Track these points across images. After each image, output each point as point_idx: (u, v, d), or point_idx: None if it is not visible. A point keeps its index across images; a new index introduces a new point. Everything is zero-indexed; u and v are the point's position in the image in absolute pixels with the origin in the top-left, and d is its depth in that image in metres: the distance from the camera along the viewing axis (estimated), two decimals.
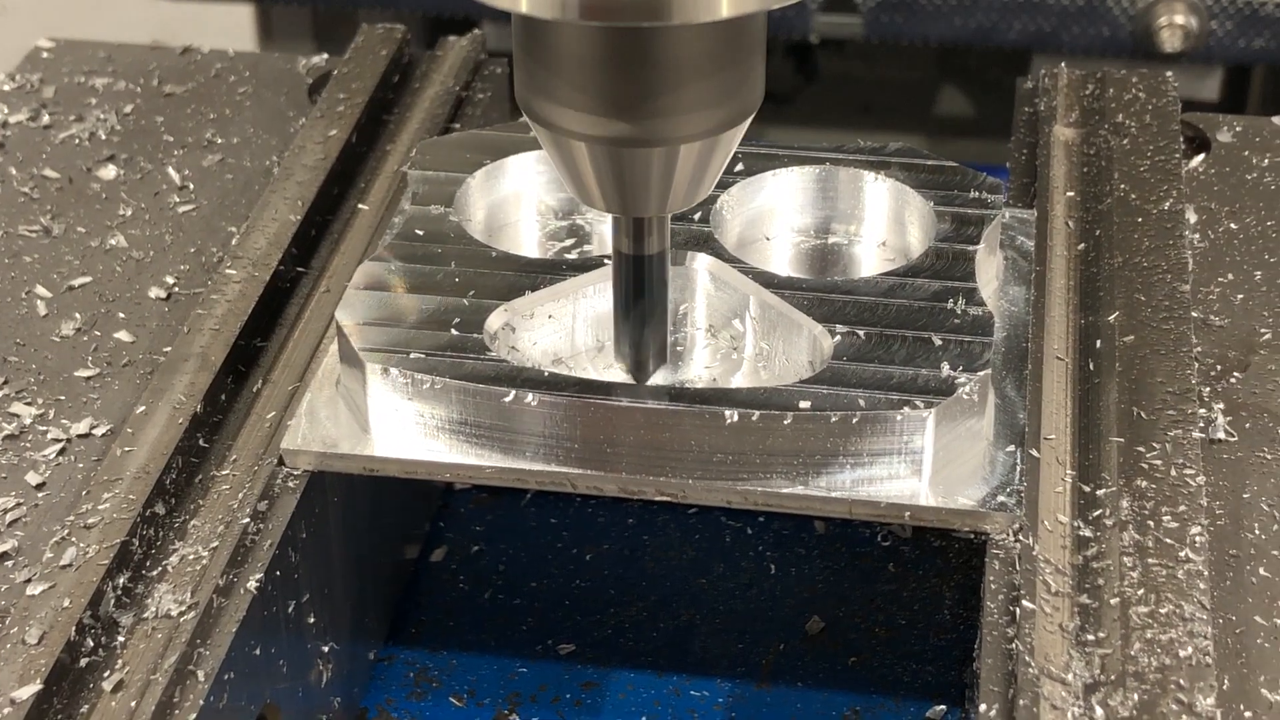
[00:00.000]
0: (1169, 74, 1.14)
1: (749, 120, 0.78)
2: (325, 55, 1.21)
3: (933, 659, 0.99)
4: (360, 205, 1.04)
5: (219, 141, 1.13)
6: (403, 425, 0.86)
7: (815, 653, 1.00)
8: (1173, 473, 0.84)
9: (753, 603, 1.04)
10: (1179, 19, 1.61)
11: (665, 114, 0.75)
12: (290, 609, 0.85)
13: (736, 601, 1.04)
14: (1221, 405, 0.92)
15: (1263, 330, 0.97)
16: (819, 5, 1.69)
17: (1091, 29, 1.64)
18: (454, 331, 0.88)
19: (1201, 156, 1.11)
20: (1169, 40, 1.62)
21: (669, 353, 0.88)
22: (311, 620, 0.88)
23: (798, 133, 2.16)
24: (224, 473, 0.86)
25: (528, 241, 1.00)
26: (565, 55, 0.74)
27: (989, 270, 0.95)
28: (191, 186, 1.09)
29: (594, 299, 0.92)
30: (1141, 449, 0.86)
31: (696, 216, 0.95)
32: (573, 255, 0.99)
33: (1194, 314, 0.97)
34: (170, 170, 1.10)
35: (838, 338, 0.87)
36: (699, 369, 0.93)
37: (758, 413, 0.82)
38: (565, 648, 1.00)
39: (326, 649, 0.90)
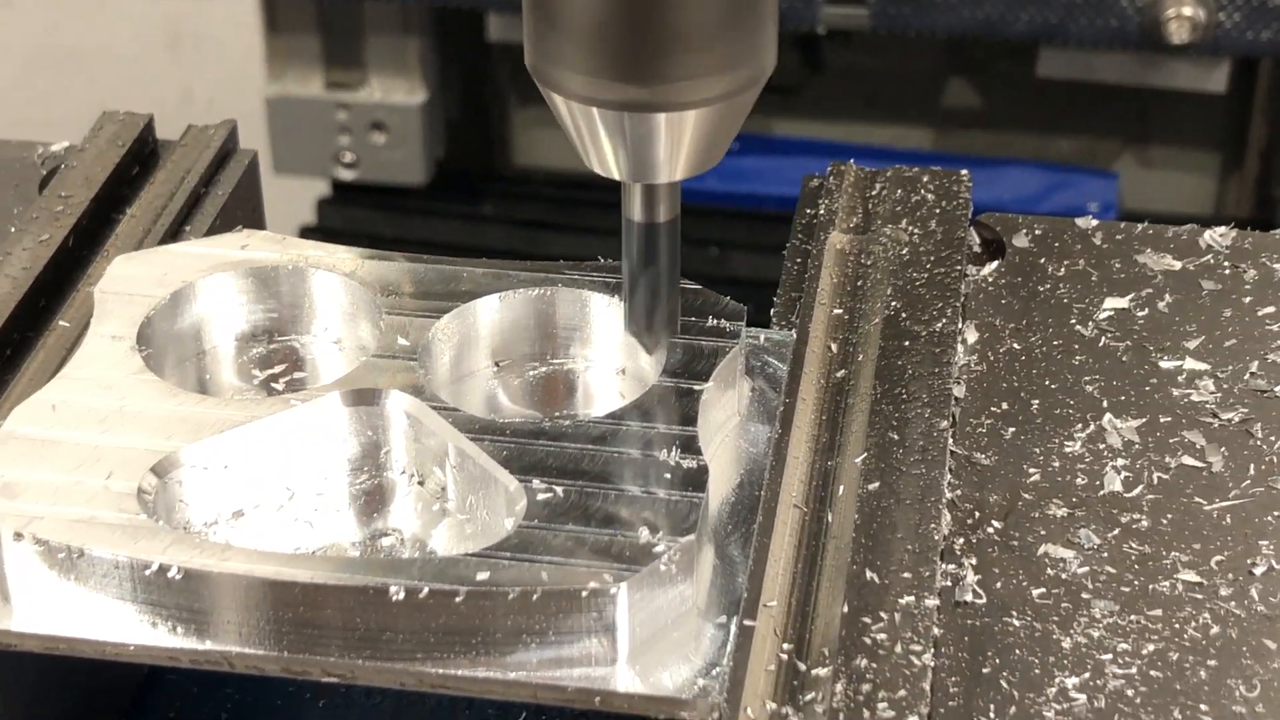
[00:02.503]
0: (964, 173, 1.05)
1: (760, 86, 0.78)
2: (66, 143, 1.12)
3: None
4: (62, 322, 0.95)
5: None
6: (46, 595, 0.77)
7: None
8: (898, 649, 0.76)
9: None
10: (1187, 10, 1.62)
11: (677, 79, 0.75)
12: None
13: None
14: (974, 560, 0.83)
15: (1031, 470, 0.88)
16: None
17: (1099, 20, 1.65)
18: (108, 485, 0.79)
19: (995, 264, 1.02)
20: (1177, 32, 1.63)
21: (676, 324, 0.86)
22: None
23: (805, 124, 2.15)
24: None
25: (227, 372, 0.91)
26: (575, 19, 0.74)
27: (726, 408, 0.87)
28: None
29: (278, 442, 0.83)
30: (868, 619, 0.77)
31: (405, 345, 0.86)
32: (280, 385, 0.90)
33: (958, 451, 0.89)
34: None
35: (533, 495, 0.78)
36: (398, 521, 0.84)
37: (426, 588, 0.74)
38: None
39: None
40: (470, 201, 2.20)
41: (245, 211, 1.08)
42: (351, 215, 2.19)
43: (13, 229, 1.03)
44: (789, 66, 2.06)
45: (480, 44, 2.14)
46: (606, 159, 0.79)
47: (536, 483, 0.79)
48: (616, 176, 0.79)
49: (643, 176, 0.79)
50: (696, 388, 0.84)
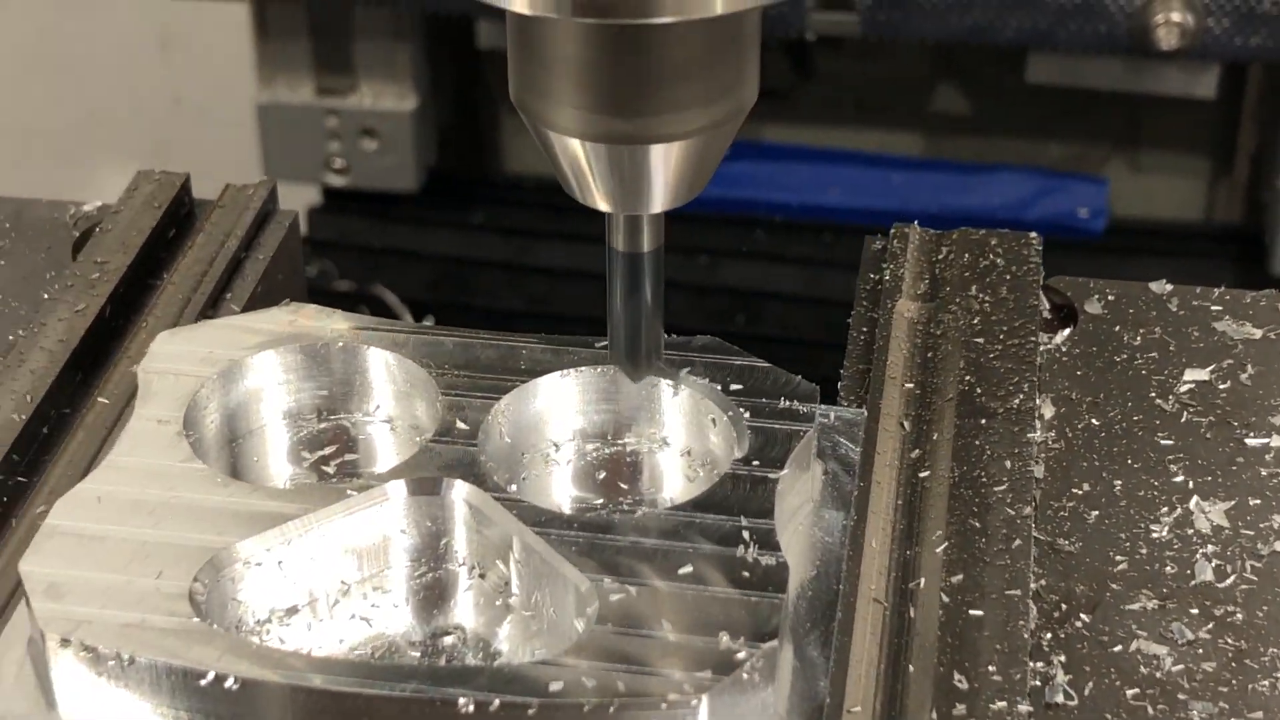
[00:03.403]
0: (1034, 235, 1.01)
1: (743, 116, 0.78)
2: (99, 203, 1.08)
3: None
4: (100, 399, 0.91)
5: None
6: (94, 702, 0.73)
7: None
8: None
9: None
10: (1175, 16, 1.61)
11: (660, 111, 0.74)
12: None
13: None
14: (1063, 658, 0.79)
15: (1118, 558, 0.84)
16: (815, 2, 1.68)
17: (1088, 26, 1.64)
18: (159, 585, 0.75)
19: (1067, 331, 0.98)
20: (1165, 37, 1.61)
21: (659, 354, 0.85)
22: None
23: (794, 130, 2.14)
24: None
25: (278, 452, 0.87)
26: (559, 52, 0.74)
27: (801, 494, 0.83)
28: None
29: (335, 535, 0.79)
30: None
31: (463, 429, 0.82)
32: (331, 468, 0.86)
33: (1040, 536, 0.85)
34: None
35: (606, 595, 0.74)
36: (460, 616, 0.80)
37: (497, 700, 0.70)
38: None
39: None
40: (462, 208, 2.18)
41: (286, 275, 1.04)
42: (342, 222, 2.17)
43: (45, 296, 1.00)
44: (778, 73, 2.05)
45: (471, 50, 2.12)
46: (590, 190, 0.77)
47: (608, 582, 0.75)
48: (600, 207, 0.78)
49: (626, 207, 0.78)
50: (771, 476, 0.80)
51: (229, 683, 0.71)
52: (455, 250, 2.13)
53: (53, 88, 2.65)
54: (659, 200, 0.78)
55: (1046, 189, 2.08)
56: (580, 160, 0.76)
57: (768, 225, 2.09)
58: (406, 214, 2.15)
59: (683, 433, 0.86)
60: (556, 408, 0.86)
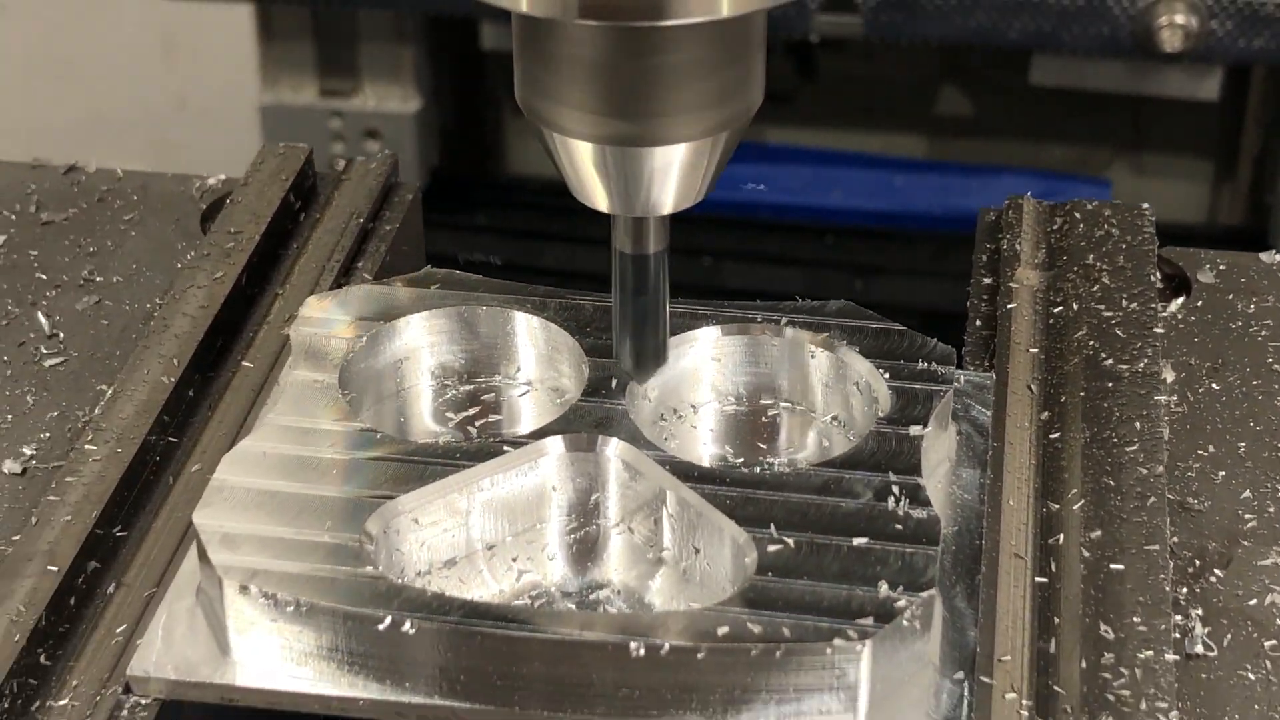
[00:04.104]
0: (1146, 206, 1.03)
1: (749, 119, 0.77)
2: (223, 176, 1.10)
3: None
4: (245, 362, 0.94)
5: (97, 280, 1.03)
6: (268, 648, 0.75)
7: None
8: (1143, 705, 0.74)
9: None
10: (1179, 18, 1.60)
11: (665, 113, 0.74)
12: None
13: None
14: (1200, 611, 0.81)
15: (1247, 516, 0.86)
16: (819, 4, 1.67)
17: (1092, 29, 1.63)
18: (328, 537, 0.77)
19: (1181, 300, 1.00)
20: (1169, 40, 1.61)
21: (664, 356, 0.83)
22: None
23: (798, 131, 2.13)
24: (61, 703, 0.76)
25: (424, 412, 0.89)
26: (564, 54, 0.73)
27: (939, 452, 0.85)
28: (61, 335, 0.98)
29: (491, 490, 0.81)
30: (1108, 675, 0.75)
31: (610, 389, 0.84)
32: (475, 428, 0.88)
33: (1170, 496, 0.87)
34: (40, 315, 0.99)
35: (763, 547, 0.76)
36: (611, 571, 0.82)
37: (668, 644, 0.72)
38: None
39: None
40: (465, 209, 2.19)
41: (411, 246, 1.07)
42: None
43: (179, 265, 1.02)
44: (782, 74, 2.04)
45: (474, 52, 2.12)
46: (595, 192, 0.77)
47: (765, 533, 0.77)
48: (605, 209, 0.78)
49: (631, 209, 0.78)
50: (915, 433, 0.82)
51: (406, 627, 0.73)
52: (458, 252, 2.14)
53: (56, 90, 2.66)
54: (664, 202, 0.77)
55: (1050, 191, 2.07)
56: (585, 162, 0.76)
57: (771, 227, 2.09)
58: None
59: (822, 395, 0.88)
60: (700, 369, 0.88)
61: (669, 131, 0.74)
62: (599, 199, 0.77)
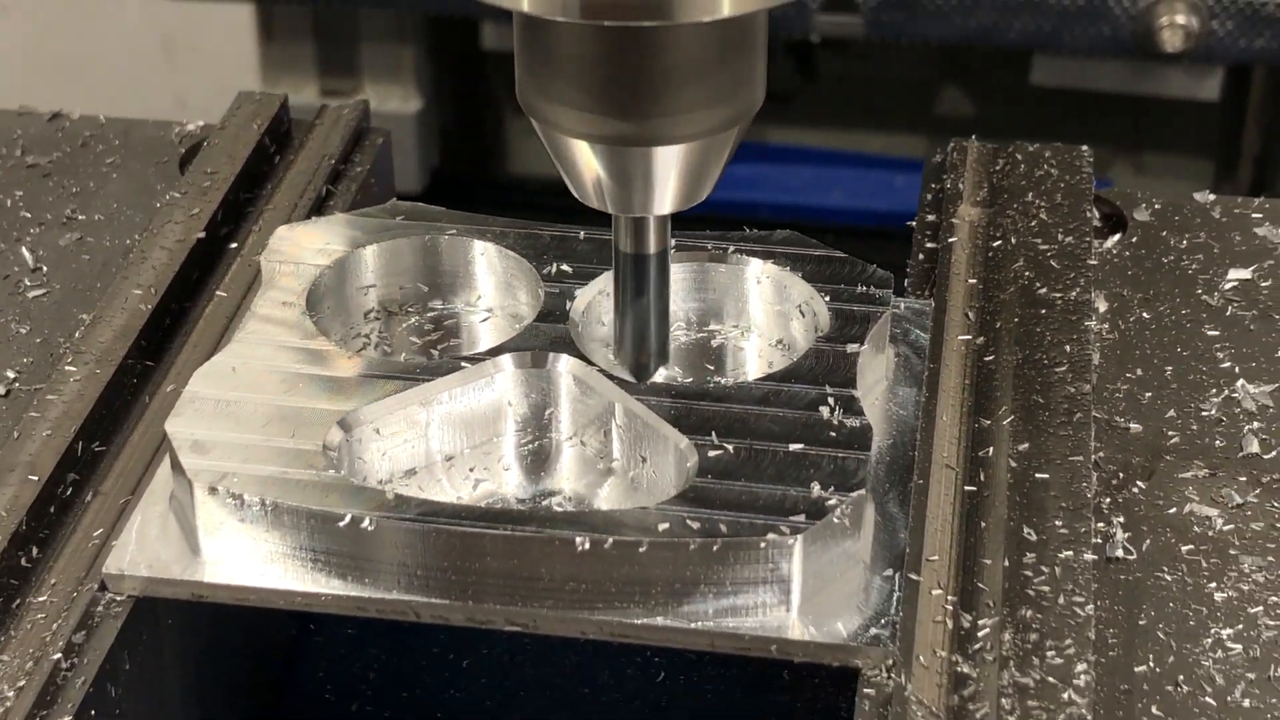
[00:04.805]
0: (1084, 148, 1.08)
1: (749, 120, 0.78)
2: (201, 123, 1.15)
3: None
4: (219, 292, 0.98)
5: (80, 218, 1.07)
6: (235, 547, 0.80)
7: None
8: (1061, 600, 0.78)
9: (638, 714, 0.98)
10: (1180, 19, 1.61)
11: (666, 113, 0.74)
12: None
13: (621, 712, 0.98)
14: (1122, 519, 0.86)
15: (1170, 434, 0.91)
16: (820, 4, 1.67)
17: (1092, 29, 1.64)
18: (293, 444, 0.81)
19: (1117, 237, 1.05)
20: (1170, 40, 1.62)
21: (666, 354, 0.86)
22: None
23: (799, 132, 2.16)
24: (41, 599, 0.80)
25: (388, 336, 0.94)
26: (566, 54, 0.74)
27: (876, 371, 0.89)
28: (45, 269, 1.03)
29: (449, 404, 0.86)
30: (1029, 573, 0.80)
31: (563, 312, 0.89)
32: (436, 351, 0.93)
33: (1098, 415, 0.91)
34: (24, 250, 1.04)
35: (704, 452, 0.81)
36: (563, 480, 0.87)
37: (611, 539, 0.76)
38: None
39: None
40: (465, 209, 2.21)
41: (382, 188, 1.11)
42: None
43: (159, 205, 1.06)
44: (783, 74, 2.05)
45: (475, 52, 2.14)
46: (596, 192, 0.78)
47: (706, 439, 0.81)
48: (606, 209, 0.79)
49: (632, 209, 0.79)
50: (851, 350, 0.86)
51: (365, 524, 0.77)
52: None
53: (57, 90, 2.69)
54: (664, 203, 0.78)
55: None
56: (586, 162, 0.77)
57: (771, 227, 2.10)
58: None
59: (767, 319, 0.93)
60: None
61: (669, 132, 0.75)
62: (598, 199, 0.79)
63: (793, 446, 0.81)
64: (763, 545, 0.76)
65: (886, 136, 2.17)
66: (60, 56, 2.71)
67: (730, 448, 0.81)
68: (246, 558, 0.80)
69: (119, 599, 0.80)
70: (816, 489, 0.79)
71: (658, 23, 0.71)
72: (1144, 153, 2.14)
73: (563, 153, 0.78)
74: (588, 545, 0.76)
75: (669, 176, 0.77)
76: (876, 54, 2.07)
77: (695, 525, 0.77)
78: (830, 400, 0.83)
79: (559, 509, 0.85)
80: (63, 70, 2.70)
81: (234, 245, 1.02)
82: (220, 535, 0.80)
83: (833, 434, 0.82)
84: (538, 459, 0.87)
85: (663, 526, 0.77)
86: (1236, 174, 2.11)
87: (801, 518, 0.77)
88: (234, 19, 2.17)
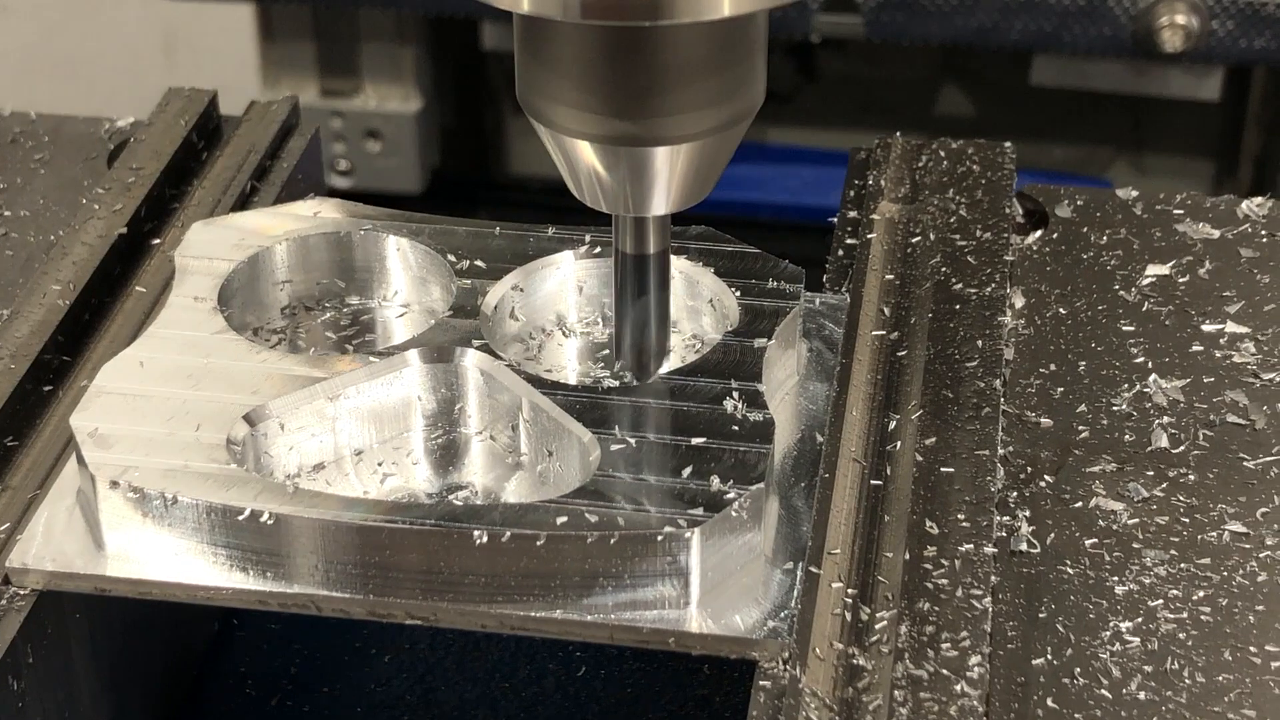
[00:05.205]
0: (1008, 145, 1.08)
1: (750, 119, 0.78)
2: (131, 119, 1.15)
3: None
4: (138, 287, 0.98)
5: (5, 214, 1.07)
6: (139, 542, 0.80)
7: None
8: (959, 593, 0.79)
9: (559, 708, 0.98)
10: (1180, 19, 1.62)
11: (666, 113, 0.75)
12: None
13: (542, 706, 0.98)
14: (1027, 513, 0.86)
15: (1080, 428, 0.91)
16: (820, 4, 1.68)
17: (1092, 29, 1.64)
18: (197, 437, 0.82)
19: (1039, 233, 1.05)
20: (1170, 40, 1.62)
21: (666, 354, 0.86)
22: None
23: (798, 132, 2.16)
24: None
25: (302, 332, 0.94)
26: (566, 54, 0.74)
27: (786, 366, 0.90)
28: None
29: (357, 398, 0.86)
30: (928, 566, 0.80)
31: (475, 307, 0.89)
32: (351, 347, 0.93)
33: (1009, 410, 0.92)
34: None
35: (607, 446, 0.81)
36: (472, 475, 0.87)
37: (509, 532, 0.77)
38: None
39: None
40: (465, 210, 2.20)
41: (310, 184, 1.11)
42: None
43: (84, 200, 1.06)
44: (783, 74, 2.05)
45: (475, 52, 2.14)
46: (596, 192, 0.79)
47: (610, 433, 0.82)
48: (606, 209, 0.80)
49: (631, 209, 0.79)
50: (759, 344, 0.87)
51: (265, 518, 0.77)
52: None
53: (57, 89, 2.69)
54: (664, 203, 0.79)
55: None
56: (586, 162, 0.78)
57: (770, 227, 2.11)
58: None
59: (678, 313, 0.93)
60: (564, 291, 0.93)
61: (669, 131, 0.75)
62: (599, 199, 0.79)
63: (695, 440, 0.81)
64: (660, 538, 0.77)
65: (887, 136, 2.16)
66: (60, 56, 2.71)
67: (633, 441, 0.81)
68: (151, 552, 0.80)
69: (22, 593, 0.80)
70: (716, 482, 0.79)
71: (657, 22, 0.71)
72: (1144, 153, 2.14)
73: (563, 153, 0.78)
74: (486, 539, 0.77)
75: (670, 176, 0.78)
76: (876, 54, 2.06)
77: (593, 519, 0.77)
78: (735, 394, 0.84)
79: (465, 503, 0.85)
80: (63, 70, 2.70)
81: (156, 241, 1.02)
82: (124, 529, 0.80)
83: (735, 428, 0.82)
84: (447, 453, 0.88)
85: (561, 520, 0.77)
86: (1236, 174, 2.12)
87: (700, 511, 0.78)
88: (234, 19, 2.16)
